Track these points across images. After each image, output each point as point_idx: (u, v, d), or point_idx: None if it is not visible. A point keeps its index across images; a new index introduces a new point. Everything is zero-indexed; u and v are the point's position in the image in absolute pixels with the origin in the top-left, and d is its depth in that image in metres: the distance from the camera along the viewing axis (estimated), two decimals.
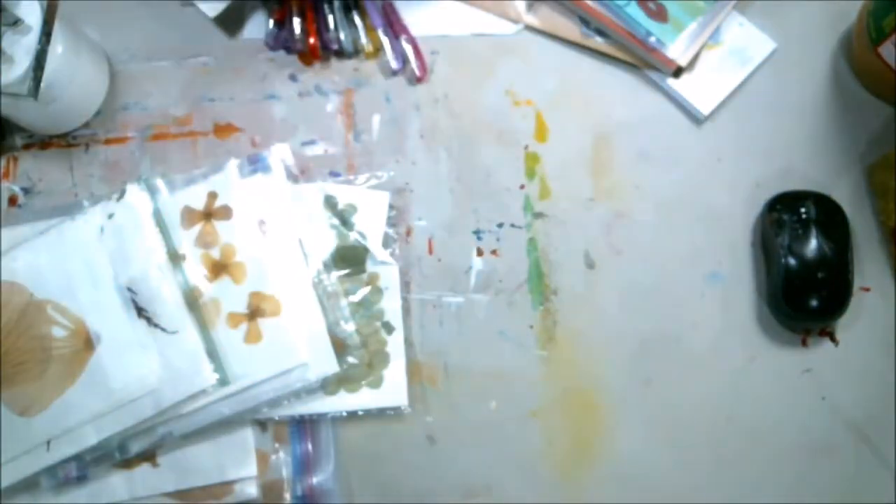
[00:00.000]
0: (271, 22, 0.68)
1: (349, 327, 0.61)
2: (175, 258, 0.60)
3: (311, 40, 0.66)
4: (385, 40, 0.67)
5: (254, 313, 0.59)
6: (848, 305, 0.60)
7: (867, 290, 0.62)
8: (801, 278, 0.60)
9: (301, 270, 0.61)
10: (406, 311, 0.62)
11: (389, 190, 0.64)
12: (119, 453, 0.58)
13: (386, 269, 0.62)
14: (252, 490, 0.59)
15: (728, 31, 0.66)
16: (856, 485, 0.60)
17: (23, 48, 0.58)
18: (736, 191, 0.64)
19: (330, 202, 0.63)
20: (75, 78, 0.63)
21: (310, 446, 0.60)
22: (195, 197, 0.62)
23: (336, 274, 0.61)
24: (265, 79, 0.68)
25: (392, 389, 0.61)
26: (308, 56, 0.67)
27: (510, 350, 0.62)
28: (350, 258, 0.62)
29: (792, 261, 0.60)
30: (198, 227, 0.61)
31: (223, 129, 0.67)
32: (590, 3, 0.65)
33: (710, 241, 0.63)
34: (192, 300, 0.59)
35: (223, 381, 0.58)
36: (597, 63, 0.67)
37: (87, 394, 0.58)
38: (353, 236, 0.62)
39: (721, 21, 0.66)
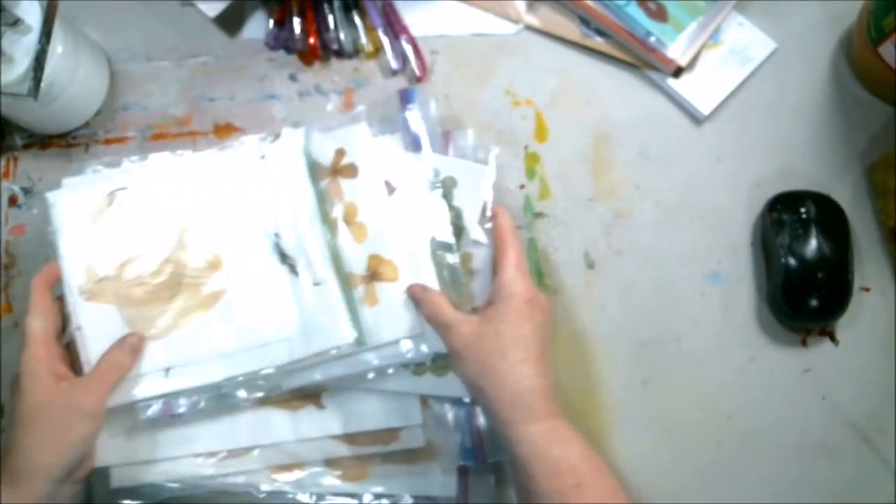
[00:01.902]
0: (271, 22, 0.68)
1: None
2: (322, 209, 0.59)
3: (311, 40, 0.66)
4: (385, 40, 0.67)
5: (372, 276, 0.58)
6: (848, 305, 0.60)
7: (867, 290, 0.62)
8: (801, 278, 0.60)
9: (422, 239, 0.59)
10: None
11: None
12: (243, 392, 0.57)
13: (479, 249, 0.60)
14: (418, 438, 0.59)
15: (728, 31, 0.66)
16: (856, 485, 0.60)
17: (23, 48, 0.58)
18: (736, 191, 0.64)
19: (434, 175, 0.61)
20: (75, 78, 0.63)
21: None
22: (323, 152, 0.61)
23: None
24: (265, 79, 0.68)
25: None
26: (308, 56, 0.67)
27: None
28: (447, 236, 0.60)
29: (792, 261, 0.60)
30: (324, 183, 0.60)
31: (223, 129, 0.67)
32: (590, 3, 0.65)
33: (710, 241, 0.63)
34: (334, 253, 0.58)
35: (360, 342, 0.56)
36: (597, 63, 0.67)
37: (215, 330, 0.57)
38: (453, 212, 0.60)
39: (721, 21, 0.66)
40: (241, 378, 0.57)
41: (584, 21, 0.67)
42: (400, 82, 0.67)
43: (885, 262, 0.63)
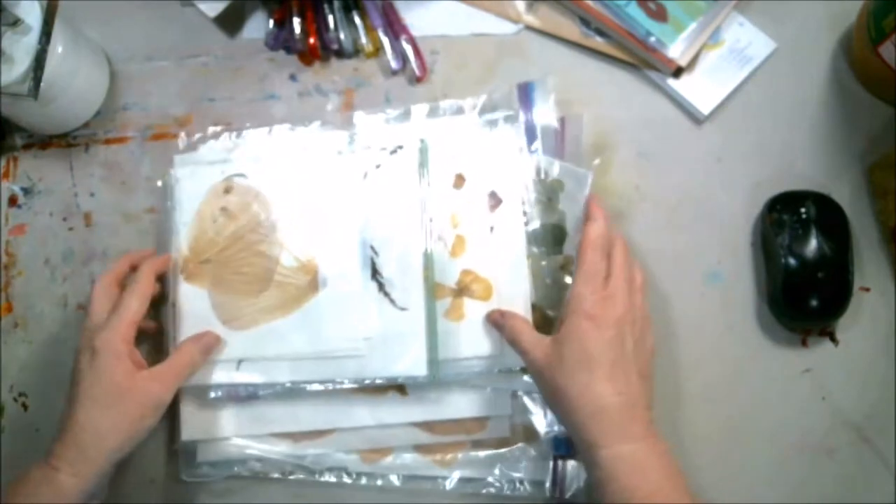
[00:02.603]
0: (271, 22, 0.68)
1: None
2: (426, 227, 0.59)
3: (311, 40, 0.66)
4: (385, 40, 0.67)
5: (461, 291, 0.58)
6: (848, 305, 0.60)
7: (867, 290, 0.62)
8: (801, 278, 0.60)
9: (521, 258, 0.59)
10: None
11: None
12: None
13: None
14: (505, 428, 0.59)
15: (728, 31, 0.66)
16: (856, 485, 0.59)
17: (23, 48, 0.58)
18: (736, 191, 0.64)
19: (540, 176, 0.61)
20: (75, 78, 0.63)
21: None
22: (437, 164, 0.61)
23: (533, 251, 0.60)
24: (265, 79, 0.68)
25: None
26: (308, 56, 0.67)
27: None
28: (549, 237, 0.60)
29: (792, 261, 0.60)
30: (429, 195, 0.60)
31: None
32: (590, 3, 0.65)
33: (710, 241, 0.63)
34: (428, 266, 0.58)
35: (432, 377, 0.57)
36: (597, 63, 0.67)
37: (294, 332, 0.58)
38: (556, 215, 0.61)
39: (721, 21, 0.66)
40: (307, 383, 0.58)
41: (584, 21, 0.67)
42: (400, 82, 0.67)
43: (885, 262, 0.63)
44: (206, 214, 0.61)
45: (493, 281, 0.58)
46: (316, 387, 0.58)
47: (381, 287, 0.58)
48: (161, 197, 0.64)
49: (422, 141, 0.61)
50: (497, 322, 0.56)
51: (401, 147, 0.61)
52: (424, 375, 0.56)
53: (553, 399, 0.51)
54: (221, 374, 0.58)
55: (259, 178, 0.61)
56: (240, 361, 0.58)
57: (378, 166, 0.60)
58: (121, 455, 0.52)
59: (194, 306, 0.59)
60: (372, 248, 0.59)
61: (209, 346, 0.57)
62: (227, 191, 0.61)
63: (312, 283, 0.59)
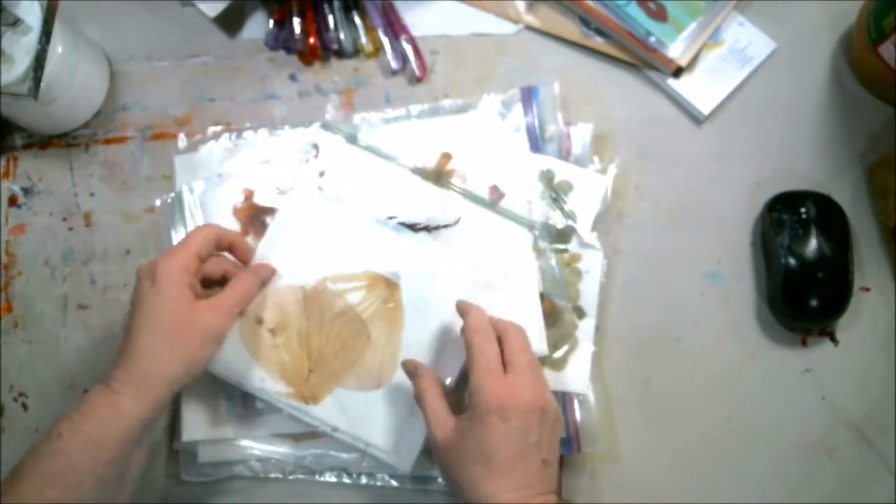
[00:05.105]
0: (271, 22, 0.68)
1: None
2: None
3: (311, 40, 0.66)
4: (385, 40, 0.67)
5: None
6: (848, 305, 0.60)
7: (867, 290, 0.62)
8: (801, 278, 0.60)
9: (528, 252, 0.60)
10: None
11: None
12: None
13: (589, 252, 0.62)
14: None
15: (728, 31, 0.66)
16: (856, 485, 0.59)
17: (23, 48, 0.58)
18: (736, 191, 0.64)
19: (546, 176, 0.62)
20: (75, 78, 0.63)
21: None
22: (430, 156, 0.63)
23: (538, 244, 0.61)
24: (265, 79, 0.68)
25: (575, 375, 0.59)
26: (308, 56, 0.67)
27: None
28: (555, 235, 0.61)
29: (792, 261, 0.60)
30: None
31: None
32: (590, 3, 0.65)
33: (710, 241, 0.63)
34: None
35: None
36: (597, 63, 0.67)
37: (419, 324, 0.59)
38: (563, 214, 0.62)
39: (721, 21, 0.66)
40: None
41: (584, 21, 0.67)
42: (400, 82, 0.67)
43: (885, 262, 0.63)
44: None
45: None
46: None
47: (428, 230, 0.61)
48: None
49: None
50: (410, 372, 0.55)
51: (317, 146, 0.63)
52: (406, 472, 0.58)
53: (447, 480, 0.52)
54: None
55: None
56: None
57: (322, 174, 0.62)
58: (180, 384, 0.51)
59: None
60: (389, 217, 0.61)
61: (265, 278, 0.57)
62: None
63: (388, 283, 0.60)
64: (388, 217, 0.60)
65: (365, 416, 0.58)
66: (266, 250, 0.60)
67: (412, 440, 0.57)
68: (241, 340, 0.58)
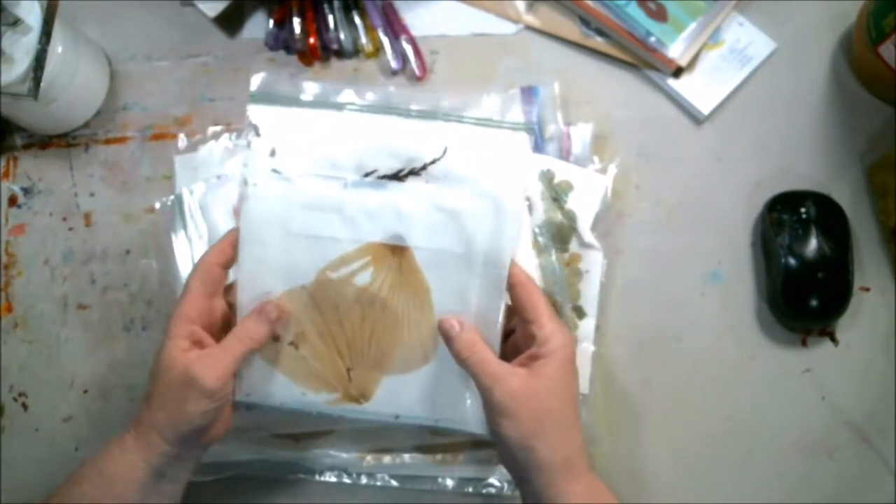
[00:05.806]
0: (271, 22, 0.68)
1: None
2: None
3: (311, 40, 0.66)
4: (385, 40, 0.67)
5: None
6: (848, 305, 0.60)
7: (867, 290, 0.62)
8: (801, 278, 0.60)
9: (528, 250, 0.59)
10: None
11: None
12: None
13: (589, 252, 0.61)
14: None
15: (728, 31, 0.66)
16: (856, 485, 0.60)
17: (23, 48, 0.58)
18: (736, 191, 0.64)
19: (546, 176, 0.62)
20: (75, 78, 0.63)
21: None
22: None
23: (538, 241, 0.60)
24: None
25: None
26: (308, 56, 0.67)
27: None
28: (555, 235, 0.61)
29: (792, 261, 0.60)
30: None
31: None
32: (590, 3, 0.65)
33: (710, 241, 0.63)
34: None
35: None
36: (597, 63, 0.67)
37: (446, 279, 0.52)
38: (562, 214, 0.61)
39: (721, 21, 0.66)
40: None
41: (584, 21, 0.67)
42: (400, 82, 0.67)
43: (885, 262, 0.63)
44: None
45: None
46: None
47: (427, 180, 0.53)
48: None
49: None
50: (450, 333, 0.50)
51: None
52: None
53: (531, 436, 0.47)
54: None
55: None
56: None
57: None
58: (176, 437, 0.48)
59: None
60: (366, 174, 0.52)
61: (269, 315, 0.51)
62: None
63: (394, 249, 0.52)
64: (364, 175, 0.52)
65: (423, 395, 0.53)
66: (249, 265, 0.52)
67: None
68: (267, 364, 0.53)
